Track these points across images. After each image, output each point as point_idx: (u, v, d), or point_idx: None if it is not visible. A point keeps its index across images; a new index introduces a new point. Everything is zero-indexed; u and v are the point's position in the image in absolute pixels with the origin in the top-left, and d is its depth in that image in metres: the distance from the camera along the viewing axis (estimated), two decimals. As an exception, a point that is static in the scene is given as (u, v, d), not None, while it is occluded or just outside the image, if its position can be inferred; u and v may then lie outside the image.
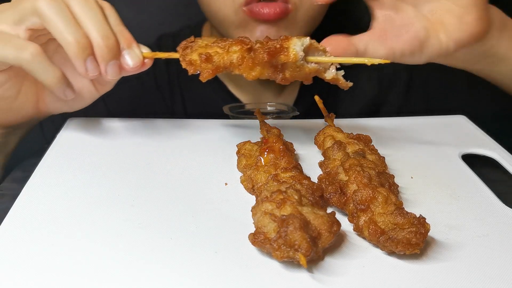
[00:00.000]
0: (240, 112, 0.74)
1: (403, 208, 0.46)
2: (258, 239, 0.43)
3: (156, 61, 0.60)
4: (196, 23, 0.90)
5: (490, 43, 0.61)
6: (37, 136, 0.75)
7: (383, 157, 0.55)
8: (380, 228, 0.45)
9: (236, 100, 0.85)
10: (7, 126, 0.65)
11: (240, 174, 0.56)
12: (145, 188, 0.53)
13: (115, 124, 0.67)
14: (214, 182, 0.55)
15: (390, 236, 0.43)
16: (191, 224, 0.48)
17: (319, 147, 0.60)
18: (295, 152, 0.60)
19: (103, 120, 0.67)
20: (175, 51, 0.58)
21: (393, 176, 0.53)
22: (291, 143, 0.59)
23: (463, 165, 0.61)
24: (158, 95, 0.87)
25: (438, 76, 0.87)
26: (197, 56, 0.54)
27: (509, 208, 0.52)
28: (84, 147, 0.61)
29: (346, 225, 0.48)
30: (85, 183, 0.54)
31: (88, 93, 0.62)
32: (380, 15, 0.59)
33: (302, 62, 0.52)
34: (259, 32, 0.71)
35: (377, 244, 0.45)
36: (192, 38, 0.57)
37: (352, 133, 0.59)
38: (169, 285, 0.40)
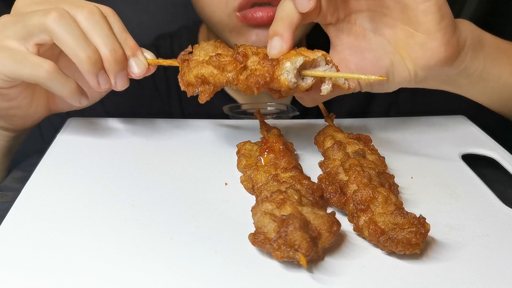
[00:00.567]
0: (240, 112, 0.74)
1: (403, 208, 0.46)
2: (258, 239, 0.43)
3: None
4: (193, 23, 0.90)
5: (464, 65, 0.58)
6: (36, 136, 0.75)
7: (383, 157, 0.55)
8: (380, 228, 0.45)
9: (233, 101, 0.85)
10: (21, 130, 0.66)
11: (240, 174, 0.56)
12: (145, 188, 0.53)
13: (115, 124, 0.67)
14: (214, 182, 0.55)
15: (390, 236, 0.43)
16: (191, 224, 0.48)
17: (319, 147, 0.60)
18: (295, 152, 0.60)
19: (103, 120, 0.67)
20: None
21: (393, 176, 0.53)
22: (291, 143, 0.59)
23: (463, 165, 0.61)
24: (156, 96, 0.87)
25: None
26: (193, 78, 0.54)
27: (509, 208, 0.52)
28: (84, 147, 0.61)
29: (346, 225, 0.48)
30: (85, 183, 0.54)
31: (98, 94, 0.63)
32: (340, 43, 0.57)
33: (295, 85, 0.50)
34: (255, 36, 0.71)
35: (377, 244, 0.45)
36: (189, 48, 0.56)
37: (352, 133, 0.59)
38: (169, 285, 0.40)
